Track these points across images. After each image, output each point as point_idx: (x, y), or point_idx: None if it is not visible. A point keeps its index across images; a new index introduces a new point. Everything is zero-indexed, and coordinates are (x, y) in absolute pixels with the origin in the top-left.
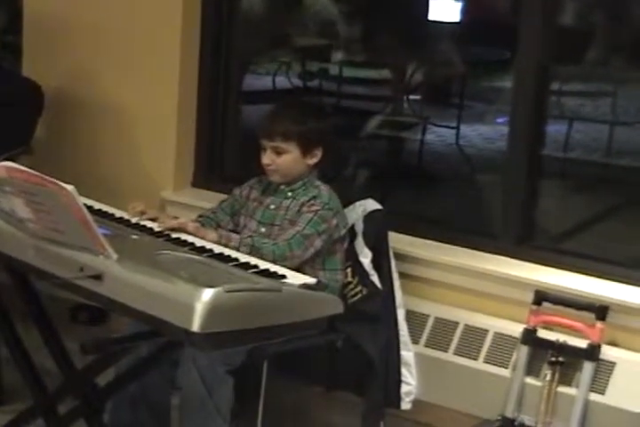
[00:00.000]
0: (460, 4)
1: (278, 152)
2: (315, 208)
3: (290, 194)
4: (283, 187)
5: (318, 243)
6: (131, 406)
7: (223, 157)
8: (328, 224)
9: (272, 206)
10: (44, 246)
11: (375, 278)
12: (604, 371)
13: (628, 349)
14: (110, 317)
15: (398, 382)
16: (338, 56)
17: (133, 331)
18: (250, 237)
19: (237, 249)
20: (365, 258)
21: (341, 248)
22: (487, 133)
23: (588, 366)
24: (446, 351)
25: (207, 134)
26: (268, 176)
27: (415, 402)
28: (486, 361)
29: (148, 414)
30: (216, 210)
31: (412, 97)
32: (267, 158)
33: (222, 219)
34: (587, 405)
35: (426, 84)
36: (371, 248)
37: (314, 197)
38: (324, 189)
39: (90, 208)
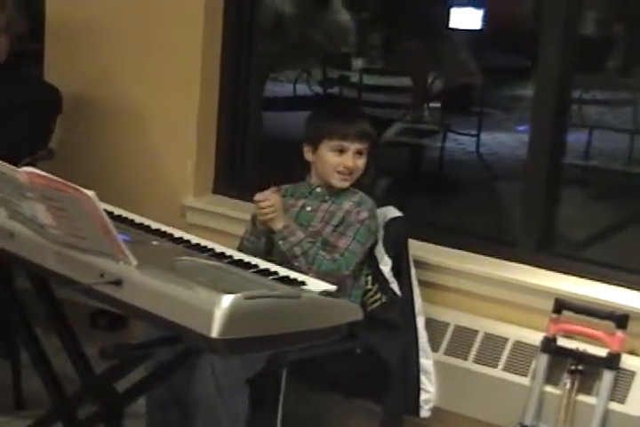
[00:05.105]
0: (480, 12)
1: (359, 153)
2: (362, 216)
3: (327, 197)
4: (319, 190)
5: (361, 255)
6: (161, 408)
7: (244, 163)
8: (373, 235)
9: (308, 208)
10: (64, 252)
11: (395, 286)
12: (624, 380)
13: None
14: (130, 323)
15: (417, 389)
16: (358, 63)
17: (149, 337)
18: (312, 242)
19: (292, 246)
20: (385, 265)
21: (367, 254)
22: (507, 141)
23: (607, 375)
24: (466, 359)
25: (228, 141)
26: (330, 181)
27: (434, 410)
28: (506, 369)
29: (178, 415)
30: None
31: (432, 104)
32: (351, 161)
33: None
34: (606, 414)
35: (446, 92)
36: (391, 256)
37: (358, 204)
38: (363, 194)
39: (110, 214)
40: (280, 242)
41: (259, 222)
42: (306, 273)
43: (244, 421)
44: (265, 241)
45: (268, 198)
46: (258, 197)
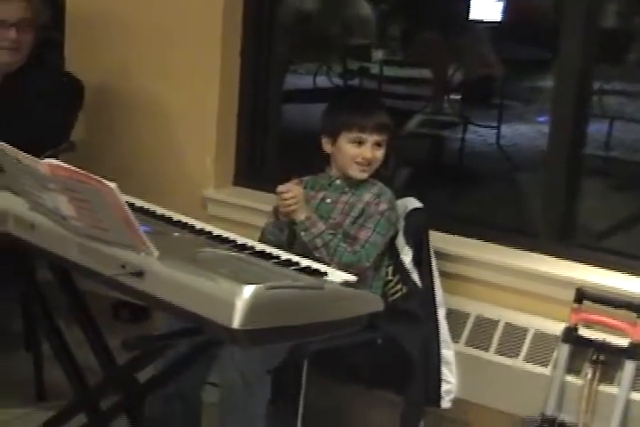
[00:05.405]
0: (501, 4)
1: (378, 145)
2: (382, 208)
3: (347, 189)
4: (339, 182)
5: (382, 246)
6: (164, 399)
7: (264, 155)
8: (393, 226)
9: (328, 200)
10: (86, 244)
11: (416, 277)
12: None
13: None
14: (151, 314)
15: (438, 380)
16: (378, 55)
17: (171, 328)
18: (333, 234)
19: (314, 238)
20: (406, 256)
21: (387, 245)
22: (528, 133)
23: (629, 366)
24: (487, 350)
25: (248, 133)
26: (349, 172)
27: (455, 401)
28: (527, 360)
29: (181, 409)
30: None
31: (452, 96)
32: (369, 152)
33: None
34: (628, 404)
35: (466, 84)
36: (411, 247)
37: (377, 195)
38: (383, 185)
39: (131, 205)
40: (302, 233)
41: (281, 214)
42: (328, 264)
43: (263, 413)
44: (287, 233)
45: (291, 190)
46: (280, 188)
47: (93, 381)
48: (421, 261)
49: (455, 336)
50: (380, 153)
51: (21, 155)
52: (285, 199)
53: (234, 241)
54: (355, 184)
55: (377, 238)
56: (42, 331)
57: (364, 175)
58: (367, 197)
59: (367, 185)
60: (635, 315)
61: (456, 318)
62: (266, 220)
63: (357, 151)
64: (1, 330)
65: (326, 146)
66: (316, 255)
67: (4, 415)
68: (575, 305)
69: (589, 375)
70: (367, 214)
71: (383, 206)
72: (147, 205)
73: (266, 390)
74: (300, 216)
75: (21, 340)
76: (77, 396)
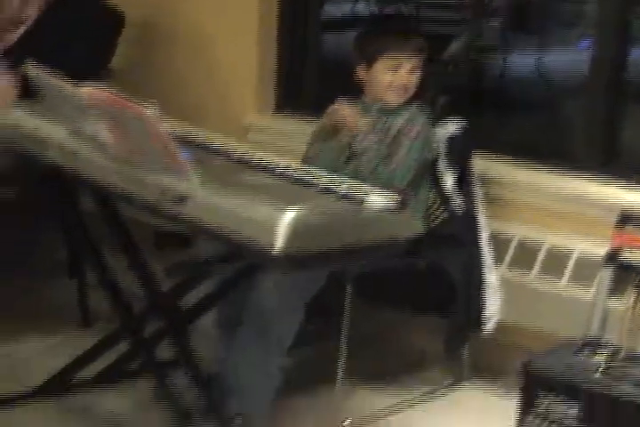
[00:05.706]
0: None
1: (413, 69)
2: (415, 132)
3: (382, 115)
4: (374, 109)
5: (417, 168)
6: (226, 326)
7: (305, 82)
8: (428, 148)
9: (364, 127)
10: (127, 171)
11: (458, 201)
12: None
13: None
14: (194, 241)
15: (481, 304)
16: None
17: (212, 254)
18: (375, 153)
19: (363, 152)
20: (448, 181)
21: (427, 168)
22: (569, 58)
23: None
24: (529, 273)
25: (288, 60)
26: (385, 98)
27: (498, 324)
28: (570, 283)
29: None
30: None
31: (492, 22)
32: (405, 78)
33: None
34: None
35: (506, 9)
36: (454, 171)
37: (410, 120)
38: (417, 109)
39: (172, 132)
40: (357, 149)
41: (343, 130)
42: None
43: (290, 342)
44: (337, 153)
45: (347, 107)
46: (337, 106)
47: (137, 308)
48: (464, 185)
49: (498, 260)
50: (415, 77)
51: (63, 82)
52: (346, 116)
53: (276, 167)
54: (389, 110)
55: (411, 162)
56: (85, 259)
57: (400, 100)
58: (400, 122)
59: (401, 111)
60: None
61: (498, 242)
62: (306, 148)
63: (392, 77)
64: (45, 258)
65: (361, 72)
66: (360, 171)
67: (50, 341)
68: (618, 228)
69: (632, 299)
70: (401, 139)
71: (417, 129)
72: (187, 132)
73: (295, 323)
74: (361, 129)
75: (64, 267)
76: (122, 323)
